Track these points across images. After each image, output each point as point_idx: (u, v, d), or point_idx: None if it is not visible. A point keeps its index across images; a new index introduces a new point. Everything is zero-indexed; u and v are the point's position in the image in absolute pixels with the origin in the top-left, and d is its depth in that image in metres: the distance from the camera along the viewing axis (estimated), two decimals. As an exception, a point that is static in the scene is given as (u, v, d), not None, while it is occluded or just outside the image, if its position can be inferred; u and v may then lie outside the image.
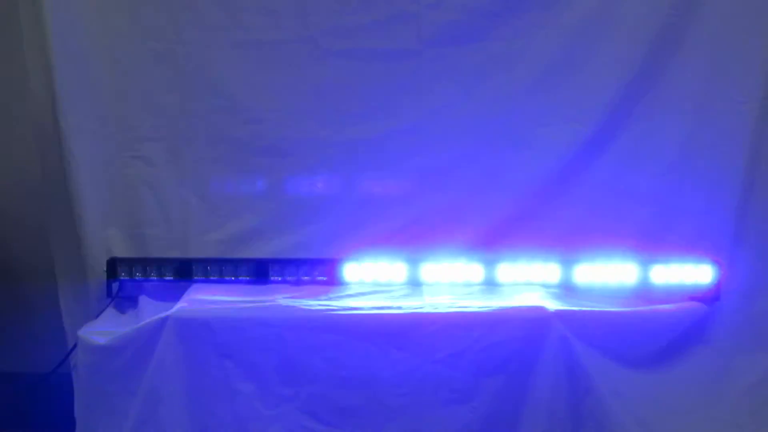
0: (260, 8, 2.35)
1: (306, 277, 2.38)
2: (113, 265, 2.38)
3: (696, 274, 2.32)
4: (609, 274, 2.33)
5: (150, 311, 2.27)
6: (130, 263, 2.39)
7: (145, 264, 2.39)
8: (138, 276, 2.39)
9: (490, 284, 2.35)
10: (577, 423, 2.15)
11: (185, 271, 2.38)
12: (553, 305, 2.20)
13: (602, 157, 2.35)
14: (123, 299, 2.42)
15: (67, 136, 2.35)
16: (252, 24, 2.36)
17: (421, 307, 2.21)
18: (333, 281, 2.37)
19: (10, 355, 2.72)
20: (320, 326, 2.15)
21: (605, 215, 2.38)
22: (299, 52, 2.37)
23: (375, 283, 2.37)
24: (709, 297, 2.32)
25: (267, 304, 2.23)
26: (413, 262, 2.36)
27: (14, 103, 2.59)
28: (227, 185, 2.44)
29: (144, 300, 2.38)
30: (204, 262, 2.39)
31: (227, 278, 2.39)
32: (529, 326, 2.14)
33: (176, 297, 2.31)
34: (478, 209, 2.40)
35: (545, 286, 2.34)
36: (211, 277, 2.39)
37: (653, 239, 2.37)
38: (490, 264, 2.35)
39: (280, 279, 2.38)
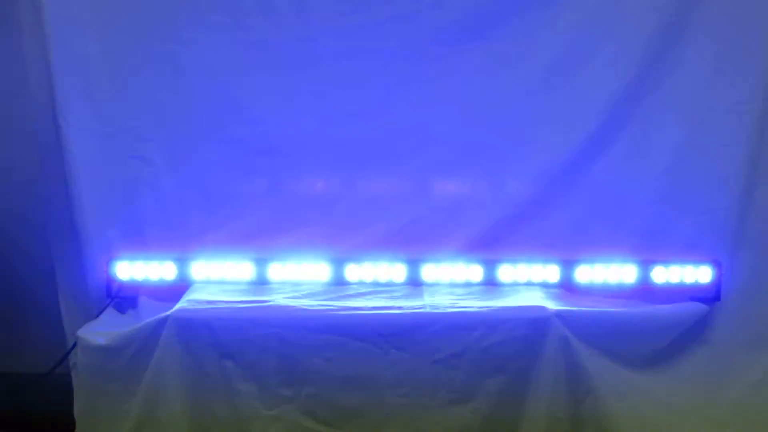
0: (260, 8, 2.35)
1: (306, 277, 2.38)
2: (113, 265, 2.38)
3: (696, 274, 2.32)
4: (609, 274, 2.34)
5: (150, 311, 2.28)
6: (130, 263, 2.39)
7: (145, 264, 2.39)
8: (138, 276, 2.39)
9: (490, 284, 2.35)
10: (577, 423, 2.15)
11: (185, 271, 2.38)
12: (553, 305, 2.20)
13: (602, 157, 2.36)
14: (123, 299, 2.42)
15: (67, 136, 2.35)
16: (252, 24, 2.36)
17: (421, 307, 2.21)
18: (333, 281, 2.37)
19: (9, 355, 2.71)
20: (320, 326, 2.15)
21: (605, 215, 2.38)
22: (299, 52, 2.37)
23: (375, 283, 2.37)
24: (709, 297, 2.32)
25: (267, 304, 2.24)
26: (413, 262, 2.37)
27: (14, 103, 2.59)
28: (227, 185, 2.44)
29: (144, 300, 2.38)
30: (204, 262, 2.39)
31: (227, 278, 2.38)
32: (529, 326, 2.14)
33: (176, 297, 2.31)
34: (479, 209, 2.40)
35: (545, 286, 2.35)
36: (211, 277, 2.39)
37: (653, 239, 2.37)
38: (490, 264, 2.35)
39: (280, 279, 2.38)
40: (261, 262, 2.38)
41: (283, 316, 2.17)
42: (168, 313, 2.17)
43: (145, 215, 2.44)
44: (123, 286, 2.41)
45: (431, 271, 2.36)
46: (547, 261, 2.35)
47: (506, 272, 2.35)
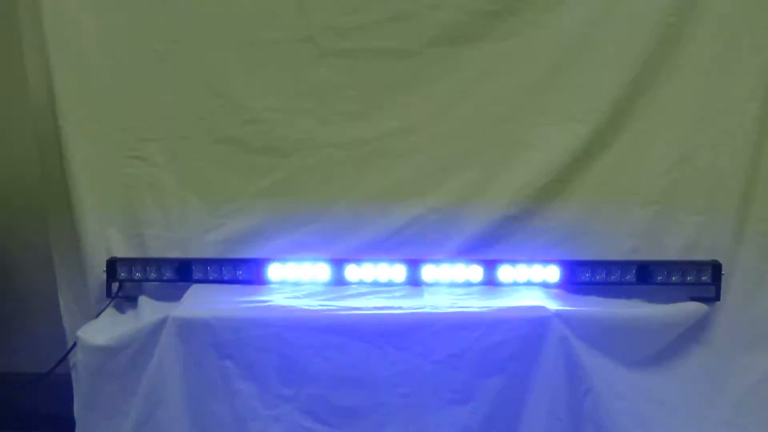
0: (260, 8, 2.35)
1: (305, 277, 2.38)
2: (113, 265, 2.38)
3: (695, 274, 2.31)
4: (609, 274, 2.33)
5: (150, 311, 2.28)
6: (130, 263, 2.39)
7: (145, 264, 2.39)
8: (138, 276, 2.39)
9: (490, 284, 2.35)
10: (577, 423, 2.15)
11: (185, 272, 2.38)
12: (553, 305, 2.20)
13: (602, 157, 2.35)
14: (123, 299, 2.42)
15: (67, 136, 2.35)
16: (252, 24, 2.36)
17: (421, 307, 2.21)
18: (333, 281, 2.37)
19: (9, 355, 2.71)
20: (320, 326, 2.15)
21: (605, 215, 2.38)
22: (299, 51, 2.37)
23: (375, 283, 2.37)
24: (709, 297, 2.32)
25: (267, 304, 2.24)
26: (413, 262, 2.36)
27: (14, 103, 2.59)
28: (227, 185, 2.44)
29: (144, 300, 2.38)
30: (204, 262, 2.39)
31: (227, 278, 2.38)
32: (529, 326, 2.14)
33: (176, 297, 2.31)
34: (478, 209, 2.40)
35: (545, 286, 2.34)
36: (211, 277, 2.39)
37: (653, 239, 2.37)
38: (490, 264, 2.35)
39: (280, 279, 2.38)
40: (261, 262, 2.38)
41: (283, 316, 2.17)
42: (168, 313, 2.16)
43: (145, 215, 2.44)
44: (123, 286, 2.41)
45: (431, 271, 2.36)
46: (547, 261, 2.35)
47: (506, 272, 2.35)
